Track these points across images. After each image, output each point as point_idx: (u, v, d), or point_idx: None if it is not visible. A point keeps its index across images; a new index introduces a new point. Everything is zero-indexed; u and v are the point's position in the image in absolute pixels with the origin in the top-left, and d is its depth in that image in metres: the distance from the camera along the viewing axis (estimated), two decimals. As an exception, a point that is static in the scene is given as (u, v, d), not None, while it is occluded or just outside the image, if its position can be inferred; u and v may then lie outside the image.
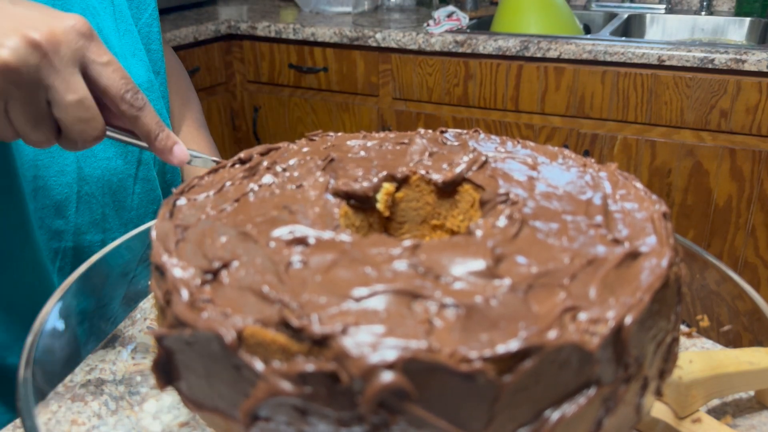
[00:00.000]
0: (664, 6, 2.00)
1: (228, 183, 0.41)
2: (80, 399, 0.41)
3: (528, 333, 0.27)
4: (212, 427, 0.33)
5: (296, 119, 2.05)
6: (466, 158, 0.43)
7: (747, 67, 1.47)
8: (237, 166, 0.43)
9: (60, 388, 0.42)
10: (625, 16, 1.94)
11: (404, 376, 0.25)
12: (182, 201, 0.39)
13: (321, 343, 0.27)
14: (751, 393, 0.46)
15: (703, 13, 1.95)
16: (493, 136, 0.47)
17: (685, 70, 1.55)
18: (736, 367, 0.42)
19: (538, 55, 1.64)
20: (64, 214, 0.65)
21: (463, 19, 1.80)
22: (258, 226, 0.35)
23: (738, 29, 1.88)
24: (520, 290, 0.29)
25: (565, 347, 0.27)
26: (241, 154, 0.44)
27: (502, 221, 0.35)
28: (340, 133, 0.48)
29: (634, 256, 0.32)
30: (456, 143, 0.46)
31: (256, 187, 0.40)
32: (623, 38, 1.65)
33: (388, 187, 0.42)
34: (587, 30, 1.99)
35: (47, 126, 0.45)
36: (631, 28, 1.96)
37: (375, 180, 0.41)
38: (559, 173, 0.41)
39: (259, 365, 0.28)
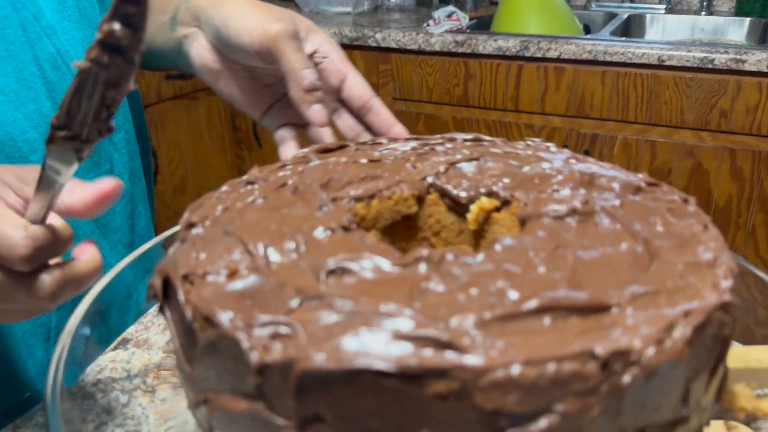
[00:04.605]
0: (664, 6, 2.00)
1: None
2: (90, 397, 0.41)
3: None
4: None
5: (296, 119, 2.05)
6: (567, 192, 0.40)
7: (747, 67, 1.48)
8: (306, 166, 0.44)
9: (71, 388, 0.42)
10: (625, 16, 1.95)
11: None
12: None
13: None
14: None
15: (703, 13, 1.95)
16: (555, 148, 0.46)
17: (685, 70, 1.55)
18: (744, 364, 0.42)
19: (538, 55, 1.64)
20: None
21: (463, 19, 1.80)
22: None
23: (738, 29, 1.89)
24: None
25: None
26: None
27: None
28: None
29: None
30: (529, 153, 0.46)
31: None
32: (623, 38, 1.65)
33: (485, 202, 0.41)
34: (587, 30, 2.00)
35: None
36: (631, 28, 1.96)
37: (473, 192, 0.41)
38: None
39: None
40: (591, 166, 0.44)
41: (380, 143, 0.48)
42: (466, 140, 0.48)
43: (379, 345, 0.26)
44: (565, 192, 0.39)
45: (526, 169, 0.43)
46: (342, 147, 0.47)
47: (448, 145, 0.47)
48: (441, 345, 0.26)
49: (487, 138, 0.48)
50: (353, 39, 1.83)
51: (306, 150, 0.46)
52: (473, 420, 0.26)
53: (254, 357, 0.27)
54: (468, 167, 0.44)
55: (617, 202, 0.38)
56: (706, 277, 0.32)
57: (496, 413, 0.25)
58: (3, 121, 0.57)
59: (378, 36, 1.80)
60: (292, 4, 2.24)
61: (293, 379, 0.26)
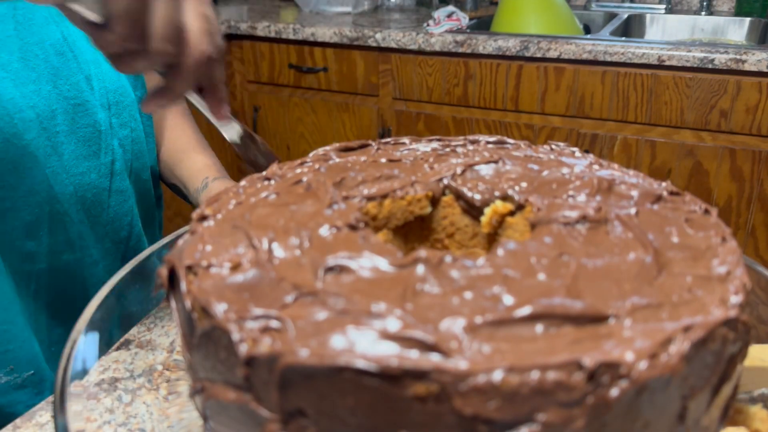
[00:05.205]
0: (664, 6, 2.00)
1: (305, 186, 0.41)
2: (93, 397, 0.42)
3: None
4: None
5: (296, 119, 2.05)
6: (583, 199, 0.40)
7: (747, 67, 1.48)
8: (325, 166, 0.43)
9: (74, 388, 0.42)
10: (625, 16, 1.95)
11: None
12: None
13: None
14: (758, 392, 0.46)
15: (703, 13, 1.95)
16: (580, 153, 0.46)
17: (685, 70, 1.55)
18: (747, 362, 0.42)
19: (538, 55, 1.64)
20: (35, 235, 0.62)
21: (463, 19, 1.80)
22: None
23: (738, 29, 1.89)
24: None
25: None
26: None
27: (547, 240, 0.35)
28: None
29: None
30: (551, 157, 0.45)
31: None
32: (623, 38, 1.65)
33: (499, 206, 0.41)
34: (587, 30, 2.00)
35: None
36: (631, 28, 1.96)
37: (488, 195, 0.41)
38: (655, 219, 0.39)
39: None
40: (614, 172, 0.43)
41: (403, 143, 0.48)
42: (489, 142, 0.48)
43: (364, 344, 0.27)
44: (581, 198, 0.39)
45: (545, 173, 0.43)
46: (364, 146, 0.47)
47: (470, 147, 0.47)
48: (426, 347, 0.26)
49: (511, 141, 0.48)
50: (353, 39, 1.83)
51: (327, 148, 0.46)
52: (453, 424, 0.26)
53: (243, 349, 0.28)
54: (486, 170, 0.44)
55: (633, 211, 0.37)
56: (715, 292, 0.31)
57: (476, 419, 0.25)
58: (2, 96, 0.59)
59: (378, 36, 1.80)
60: (292, 5, 2.25)
61: (277, 373, 0.27)
